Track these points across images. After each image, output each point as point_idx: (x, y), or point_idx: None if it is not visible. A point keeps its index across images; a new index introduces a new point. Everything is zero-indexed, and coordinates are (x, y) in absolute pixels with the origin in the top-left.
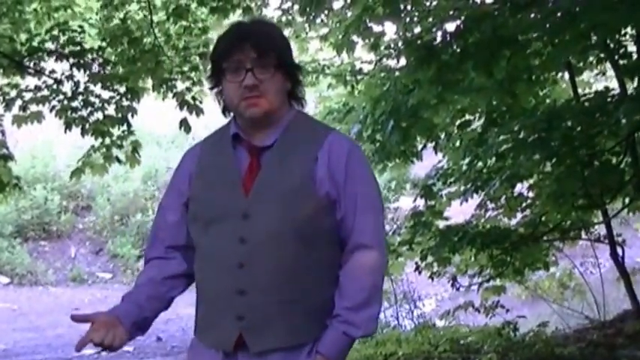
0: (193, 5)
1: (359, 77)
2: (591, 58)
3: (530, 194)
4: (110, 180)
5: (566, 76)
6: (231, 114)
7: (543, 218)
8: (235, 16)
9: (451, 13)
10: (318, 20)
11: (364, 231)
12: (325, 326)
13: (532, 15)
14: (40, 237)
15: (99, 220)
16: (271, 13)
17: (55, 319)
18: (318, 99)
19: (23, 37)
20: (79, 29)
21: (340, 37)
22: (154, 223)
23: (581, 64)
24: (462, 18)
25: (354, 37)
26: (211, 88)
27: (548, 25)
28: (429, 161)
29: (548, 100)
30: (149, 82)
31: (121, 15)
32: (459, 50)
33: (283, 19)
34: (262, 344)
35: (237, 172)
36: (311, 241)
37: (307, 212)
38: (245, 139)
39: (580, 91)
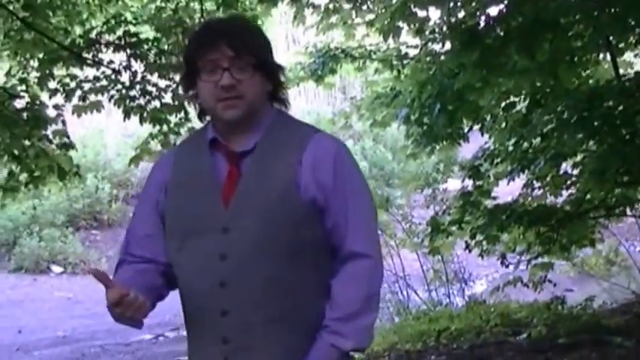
0: None
1: (405, 62)
2: (631, 39)
3: (575, 172)
4: None
5: (608, 57)
6: (208, 118)
7: (588, 196)
8: (283, 5)
9: None
10: (365, 7)
11: (357, 238)
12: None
13: None
14: (91, 226)
15: None
16: (319, 0)
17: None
18: (365, 84)
19: (77, 28)
20: (134, 21)
21: (386, 22)
22: (128, 233)
23: (622, 44)
24: (505, 2)
25: (400, 23)
26: (185, 91)
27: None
28: (475, 143)
29: (590, 81)
30: None
31: (173, 6)
32: (502, 34)
33: (331, 6)
34: None
35: (215, 181)
36: (298, 253)
37: (292, 222)
38: (223, 144)
39: (622, 71)
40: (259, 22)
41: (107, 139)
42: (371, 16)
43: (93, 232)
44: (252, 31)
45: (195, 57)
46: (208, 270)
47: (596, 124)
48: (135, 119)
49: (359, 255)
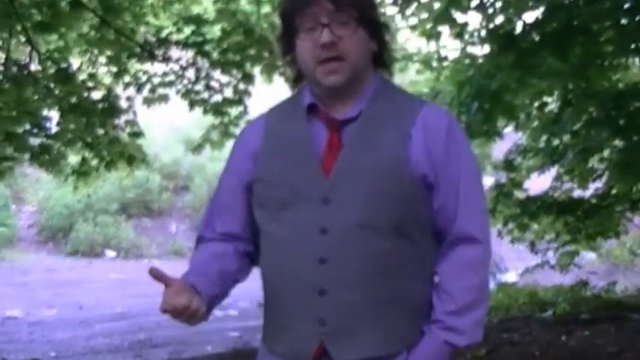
0: None
1: (444, 64)
2: None
3: (601, 167)
4: (206, 161)
5: (637, 61)
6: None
7: (614, 190)
8: None
9: (530, 4)
10: (409, 12)
11: (468, 220)
12: (421, 332)
13: (605, 5)
14: (142, 214)
15: (196, 199)
16: None
17: (161, 287)
18: (407, 84)
19: (142, 28)
20: (201, 22)
21: (428, 27)
22: (210, 202)
23: None
24: (541, 9)
25: (440, 27)
26: (283, 54)
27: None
28: (507, 142)
29: (620, 84)
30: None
31: (234, 7)
32: (537, 38)
33: None
34: (349, 353)
35: (313, 149)
36: (405, 231)
37: (400, 198)
38: (322, 111)
39: None
40: None
41: (155, 132)
42: (413, 21)
43: (144, 220)
44: None
45: (292, 12)
46: (306, 244)
47: (622, 122)
48: (181, 115)
49: (470, 239)
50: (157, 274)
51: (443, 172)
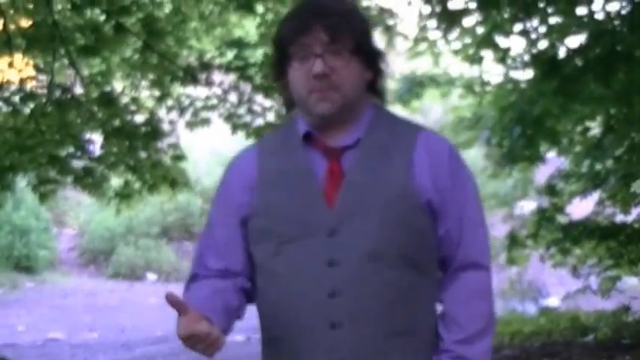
0: None
1: (487, 88)
2: None
3: None
4: None
5: None
6: (294, 110)
7: None
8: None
9: (573, 30)
10: (452, 36)
11: (473, 247)
12: None
13: None
14: (183, 237)
15: None
16: (407, 29)
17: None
18: (449, 109)
19: (185, 52)
20: (243, 46)
21: (471, 52)
22: (201, 239)
23: None
24: (584, 34)
25: (483, 52)
26: (275, 80)
27: None
28: (549, 167)
29: None
30: None
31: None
32: (580, 64)
33: (419, 36)
34: None
35: (314, 179)
36: (414, 260)
37: (408, 226)
38: (319, 139)
39: None
40: None
41: (197, 156)
42: (457, 45)
43: (185, 243)
44: (350, 11)
45: (286, 40)
46: (314, 277)
47: None
48: (223, 138)
49: (475, 266)
50: (173, 300)
51: (448, 197)
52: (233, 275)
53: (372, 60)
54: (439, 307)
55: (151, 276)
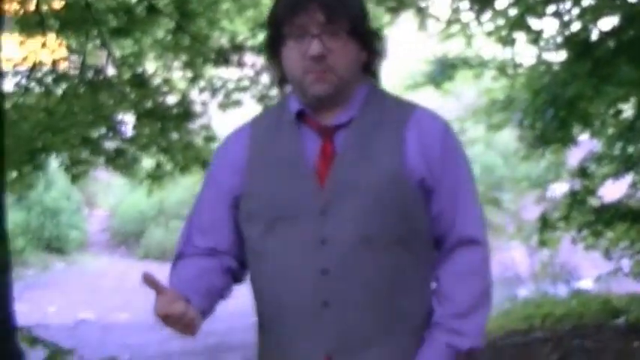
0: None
1: (520, 70)
2: None
3: None
4: None
5: None
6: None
7: None
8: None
9: (606, 12)
10: (484, 18)
11: (468, 223)
12: (423, 340)
13: None
14: None
15: None
16: (440, 11)
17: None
18: (482, 91)
19: (217, 34)
20: None
21: (504, 33)
22: (189, 218)
23: None
24: (617, 16)
25: (516, 34)
26: (269, 59)
27: None
28: (583, 147)
29: None
30: None
31: None
32: (613, 46)
33: (452, 18)
34: None
35: (306, 158)
36: (407, 242)
37: (400, 205)
38: (311, 118)
39: None
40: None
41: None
42: (489, 27)
43: None
44: None
45: (281, 20)
46: (306, 256)
47: None
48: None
49: (470, 241)
50: (149, 280)
51: (441, 175)
52: (219, 254)
53: (368, 41)
54: (433, 285)
55: None
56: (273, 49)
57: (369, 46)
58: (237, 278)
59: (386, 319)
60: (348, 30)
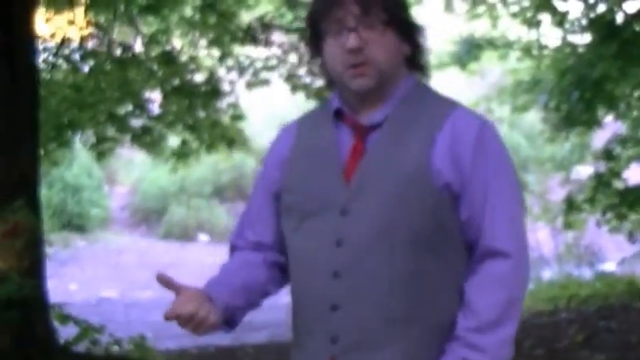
0: None
1: (545, 52)
2: None
3: None
4: None
5: None
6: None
7: None
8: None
9: None
10: (510, 0)
11: (497, 233)
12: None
13: None
14: (236, 198)
15: None
16: None
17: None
18: (507, 71)
19: (244, 12)
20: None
21: (529, 15)
22: (243, 211)
23: None
24: None
25: (541, 15)
26: (312, 58)
27: None
28: (608, 129)
29: None
30: None
31: None
32: (638, 29)
33: None
34: None
35: (337, 156)
36: (429, 244)
37: (421, 208)
38: (349, 116)
39: None
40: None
41: (253, 117)
42: (515, 8)
43: (238, 204)
44: None
45: (318, 16)
46: (321, 256)
47: None
48: (281, 100)
49: (497, 253)
50: (164, 280)
51: (470, 180)
52: (265, 248)
53: (408, 33)
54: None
55: (203, 237)
56: (315, 48)
57: (410, 37)
58: (285, 272)
59: (395, 321)
60: (385, 20)
